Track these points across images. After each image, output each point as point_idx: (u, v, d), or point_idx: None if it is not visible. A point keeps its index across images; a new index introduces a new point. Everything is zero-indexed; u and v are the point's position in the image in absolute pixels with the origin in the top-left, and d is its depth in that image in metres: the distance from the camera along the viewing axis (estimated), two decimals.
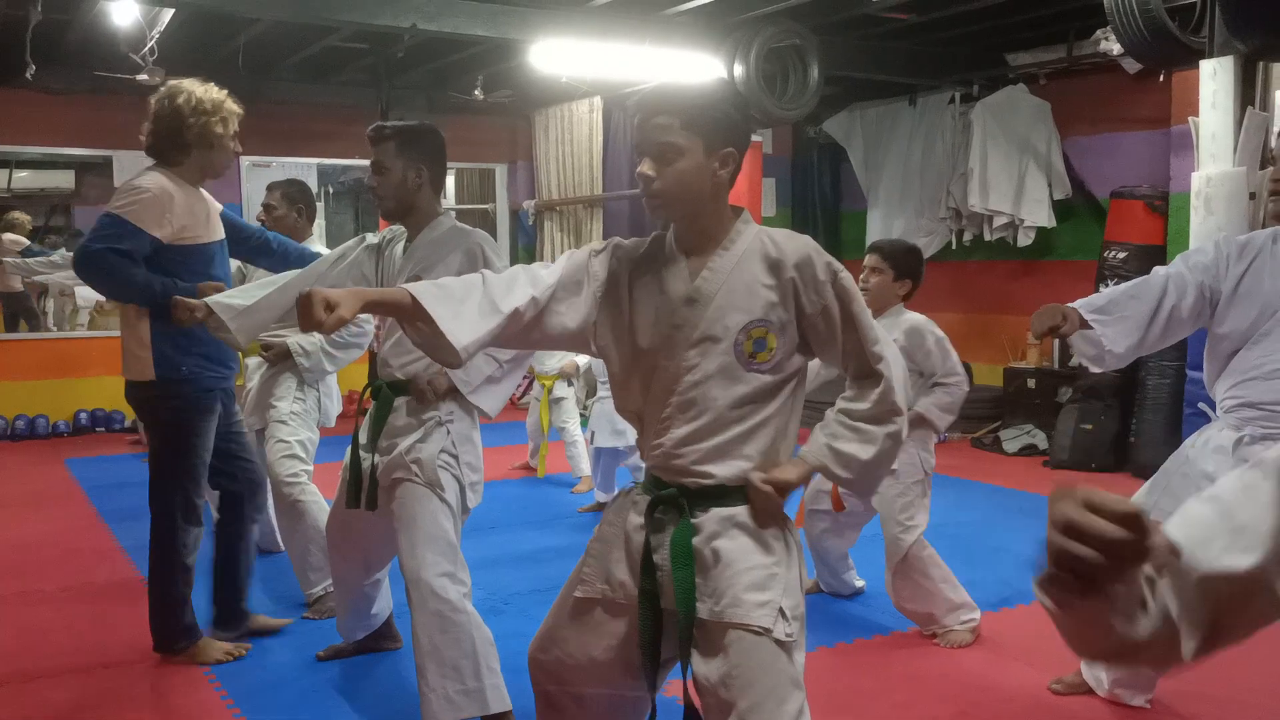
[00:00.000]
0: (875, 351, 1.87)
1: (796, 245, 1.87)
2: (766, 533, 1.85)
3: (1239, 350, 2.53)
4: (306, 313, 1.75)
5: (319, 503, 3.82)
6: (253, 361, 4.19)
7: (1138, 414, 6.35)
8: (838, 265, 1.87)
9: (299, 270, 3.10)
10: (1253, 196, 4.63)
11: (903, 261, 3.53)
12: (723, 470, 1.86)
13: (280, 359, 4.01)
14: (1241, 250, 2.57)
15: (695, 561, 1.83)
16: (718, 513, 1.86)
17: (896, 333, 3.48)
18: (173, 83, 3.35)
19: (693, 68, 6.44)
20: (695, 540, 1.85)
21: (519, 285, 1.88)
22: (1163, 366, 6.12)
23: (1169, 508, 2.56)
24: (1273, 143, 2.47)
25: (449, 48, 7.35)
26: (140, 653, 3.47)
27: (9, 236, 9.10)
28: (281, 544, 4.09)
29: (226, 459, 3.40)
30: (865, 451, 1.88)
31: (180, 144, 3.26)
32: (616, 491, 5.58)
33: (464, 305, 1.82)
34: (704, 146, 1.83)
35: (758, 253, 1.87)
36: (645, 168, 1.85)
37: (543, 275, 1.91)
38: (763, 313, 1.84)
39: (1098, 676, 3.01)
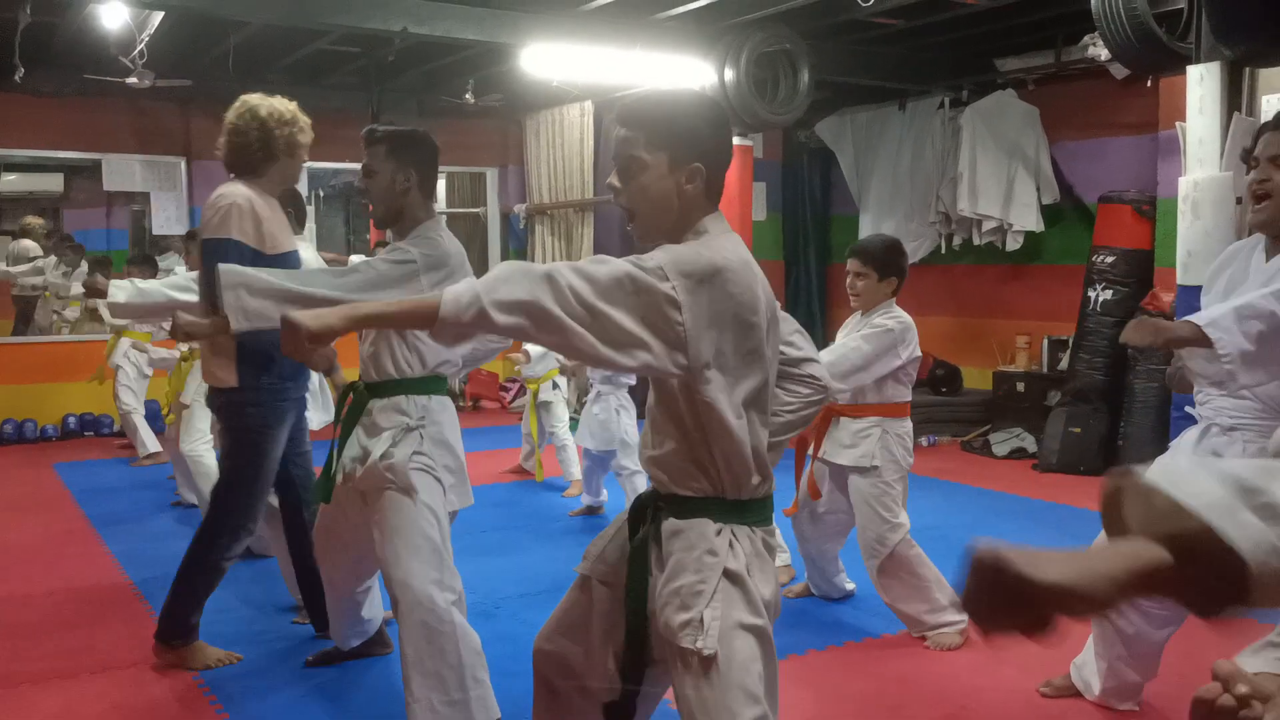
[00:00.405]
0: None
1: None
2: (704, 546, 1.81)
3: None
4: (288, 341, 1.73)
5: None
6: None
7: (1125, 417, 6.38)
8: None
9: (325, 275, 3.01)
10: (1239, 201, 4.66)
11: (885, 260, 3.54)
12: (680, 487, 1.86)
13: None
14: (1225, 257, 2.62)
15: (652, 569, 1.87)
16: (672, 522, 1.86)
17: (890, 322, 3.48)
18: (245, 97, 3.50)
19: (683, 72, 6.46)
20: (659, 545, 1.88)
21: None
22: (1150, 370, 6.15)
23: None
24: (1258, 147, 2.46)
25: (440, 51, 7.34)
26: (128, 658, 3.46)
27: (23, 243, 9.08)
28: (271, 549, 4.07)
29: (291, 463, 3.42)
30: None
31: (269, 154, 3.33)
32: (604, 495, 5.59)
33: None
34: (669, 161, 1.81)
35: None
36: (613, 179, 1.87)
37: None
38: None
39: (1086, 680, 3.03)
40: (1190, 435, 2.66)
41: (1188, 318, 2.36)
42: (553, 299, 1.65)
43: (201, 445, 4.86)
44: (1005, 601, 0.83)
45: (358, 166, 2.93)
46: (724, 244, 1.80)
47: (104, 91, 7.36)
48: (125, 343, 6.47)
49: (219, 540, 3.30)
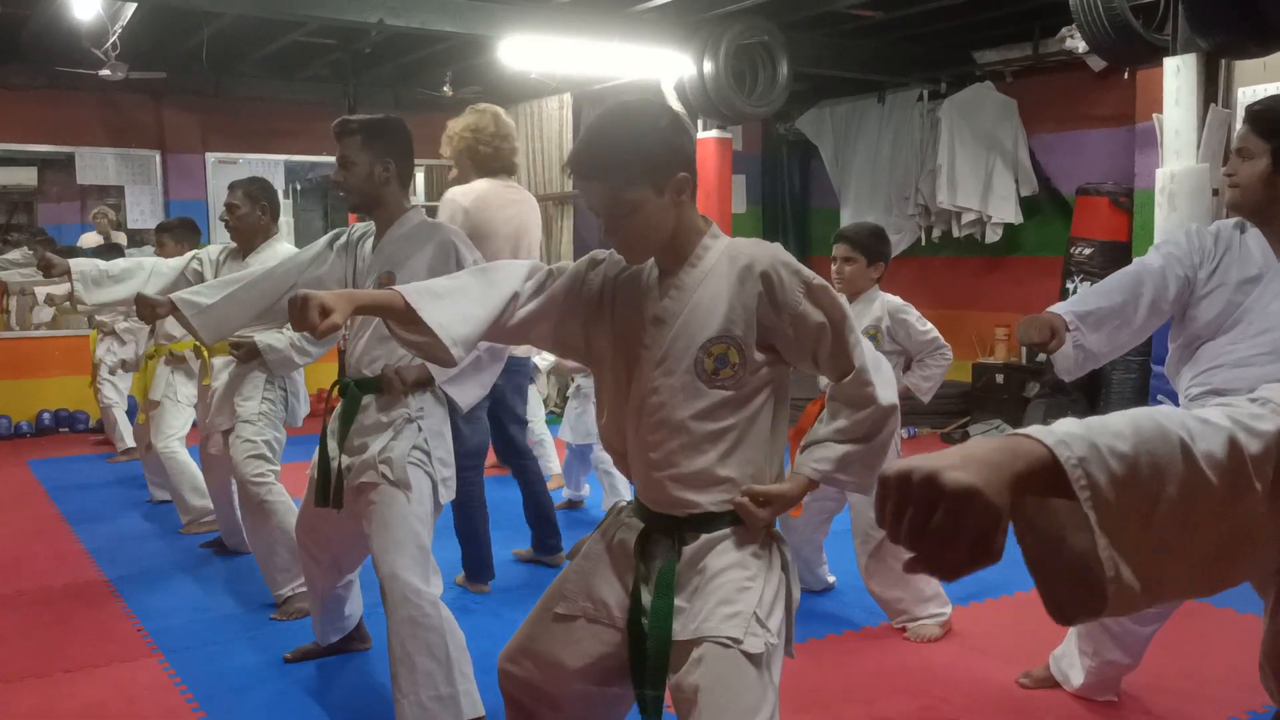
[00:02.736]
0: (853, 358, 1.83)
1: (763, 253, 1.83)
2: (747, 550, 1.82)
3: (1206, 339, 2.56)
4: (300, 317, 1.78)
5: (286, 503, 3.78)
6: (219, 361, 4.14)
7: (1103, 408, 6.39)
8: (808, 274, 1.81)
9: (265, 267, 3.10)
10: (1216, 192, 4.69)
11: (872, 246, 3.57)
12: (704, 498, 1.83)
13: (249, 357, 3.96)
14: (1216, 239, 2.60)
15: (677, 587, 1.82)
16: (705, 538, 1.83)
17: (879, 313, 3.51)
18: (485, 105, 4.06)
19: (661, 64, 6.44)
20: (680, 564, 1.83)
21: (508, 283, 1.90)
22: (1127, 361, 6.19)
23: None
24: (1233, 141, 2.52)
25: (416, 43, 7.30)
26: (103, 657, 3.42)
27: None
28: (248, 545, 4.04)
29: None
30: (852, 448, 1.84)
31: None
32: (586, 489, 5.57)
33: (455, 303, 1.83)
34: (654, 190, 1.77)
35: (724, 266, 1.83)
36: (605, 229, 1.82)
37: (538, 279, 1.92)
38: (723, 328, 1.79)
39: (1065, 672, 3.04)
40: None
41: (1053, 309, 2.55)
42: None
43: (175, 442, 4.81)
44: (921, 513, 0.80)
45: (333, 159, 2.89)
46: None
47: (76, 84, 7.28)
48: (106, 342, 6.42)
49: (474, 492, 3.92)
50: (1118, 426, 0.85)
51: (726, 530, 1.83)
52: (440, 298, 1.84)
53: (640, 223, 1.78)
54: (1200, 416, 0.88)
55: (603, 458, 4.99)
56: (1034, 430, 0.84)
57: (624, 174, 1.76)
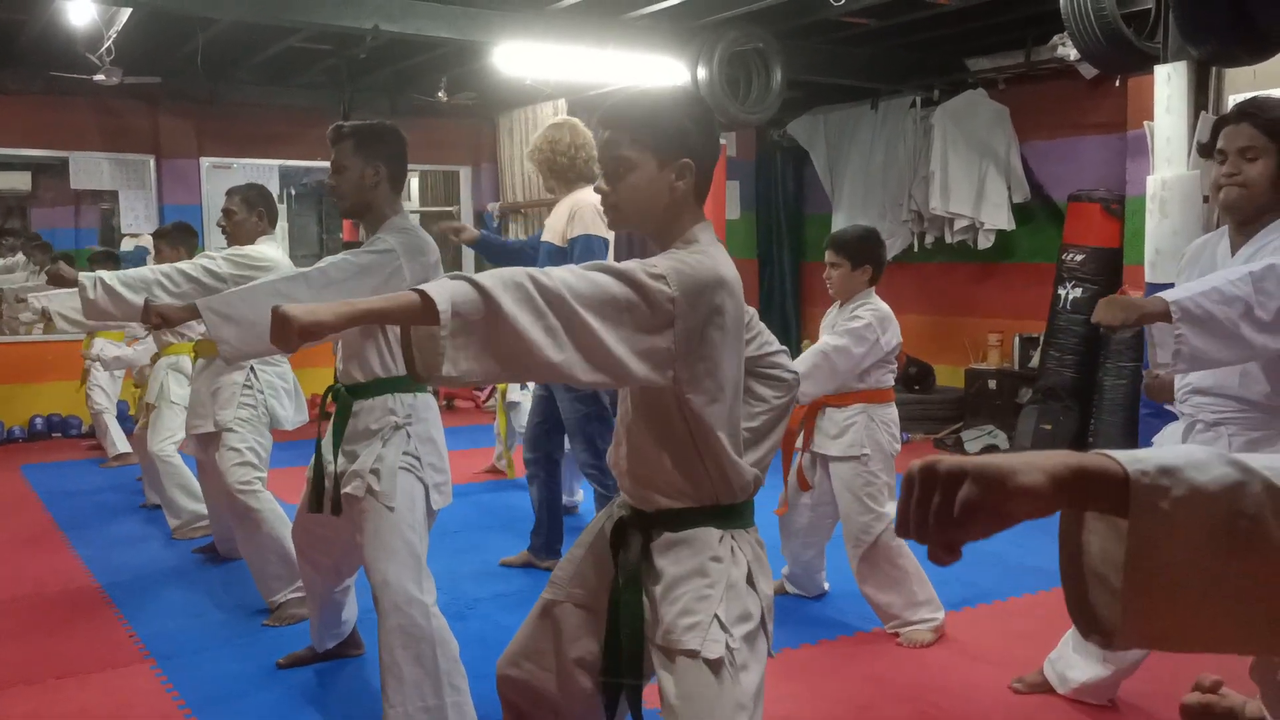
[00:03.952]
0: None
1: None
2: (707, 553, 1.82)
3: None
4: (279, 333, 1.66)
5: (274, 509, 3.77)
6: (201, 362, 4.12)
7: (1096, 414, 6.43)
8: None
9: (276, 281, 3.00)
10: (1206, 200, 4.71)
11: (857, 249, 3.56)
12: (671, 500, 1.84)
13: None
14: (1192, 251, 2.66)
15: (646, 586, 1.84)
16: (667, 536, 1.85)
17: (866, 319, 3.48)
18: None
19: (656, 71, 6.45)
20: (650, 562, 1.85)
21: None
22: (1120, 368, 6.21)
23: None
24: (1220, 141, 2.49)
25: (412, 49, 7.30)
26: (96, 663, 3.42)
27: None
28: (240, 551, 4.04)
29: None
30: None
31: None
32: (579, 493, 5.58)
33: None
34: (656, 159, 1.80)
35: None
36: (601, 182, 1.85)
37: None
38: None
39: (1061, 674, 3.05)
40: (1172, 431, 2.66)
41: (1158, 294, 2.38)
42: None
43: (169, 445, 4.80)
44: (944, 498, 0.79)
45: (327, 164, 2.90)
46: (720, 256, 1.82)
47: (71, 89, 7.28)
48: (99, 342, 6.41)
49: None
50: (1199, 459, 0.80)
51: (687, 534, 1.83)
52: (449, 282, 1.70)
53: (632, 185, 1.81)
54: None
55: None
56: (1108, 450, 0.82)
57: (635, 130, 1.80)
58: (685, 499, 1.84)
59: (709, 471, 1.82)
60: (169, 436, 4.78)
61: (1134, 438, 5.75)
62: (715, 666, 1.75)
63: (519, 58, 6.35)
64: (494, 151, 9.33)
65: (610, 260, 3.91)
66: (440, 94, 7.98)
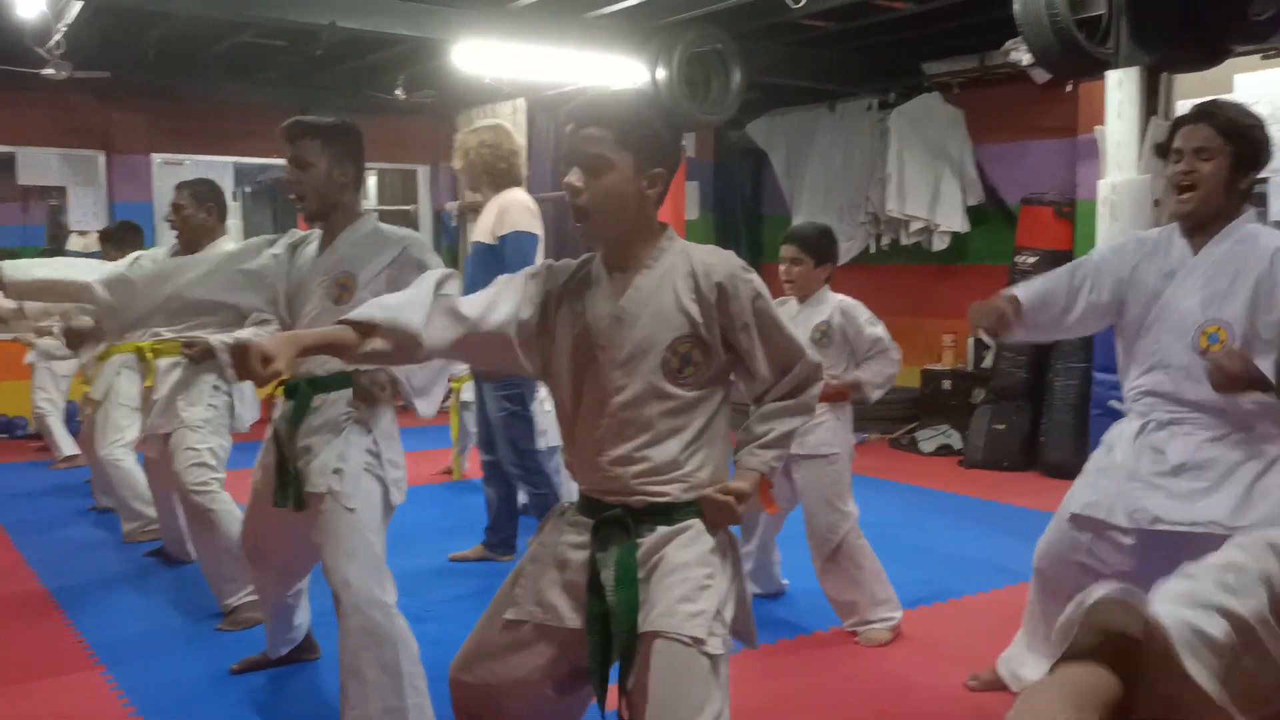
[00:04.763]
0: (799, 347, 1.94)
1: (720, 263, 1.88)
2: (706, 545, 1.85)
3: (1135, 341, 2.63)
4: (242, 366, 1.74)
5: (231, 511, 3.71)
6: (165, 362, 4.05)
7: (1047, 414, 6.53)
8: (759, 285, 1.90)
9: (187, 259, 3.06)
10: (1157, 203, 4.80)
11: (820, 247, 3.60)
12: (669, 488, 1.86)
13: (202, 359, 3.88)
14: (1139, 245, 2.68)
15: (639, 577, 1.83)
16: (663, 531, 1.85)
17: (829, 312, 3.54)
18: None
19: (616, 71, 6.45)
20: (638, 556, 1.84)
21: (465, 298, 1.90)
22: (1070, 368, 6.31)
23: (1096, 500, 2.65)
24: (1176, 141, 2.53)
25: (370, 46, 7.23)
26: (42, 670, 3.34)
27: None
28: (192, 554, 3.97)
29: None
30: (793, 422, 1.95)
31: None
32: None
33: (412, 304, 1.83)
34: (634, 163, 1.82)
35: (682, 269, 1.88)
36: (573, 178, 1.84)
37: (482, 294, 1.92)
38: (687, 328, 1.85)
39: (1014, 672, 3.09)
40: (1124, 429, 2.69)
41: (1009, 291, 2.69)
42: None
43: (119, 449, 4.70)
44: None
45: (285, 161, 2.84)
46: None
47: (19, 83, 7.10)
48: (42, 343, 6.28)
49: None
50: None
51: (685, 524, 1.85)
52: (390, 303, 1.84)
53: (608, 186, 1.82)
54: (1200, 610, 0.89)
55: (562, 460, 4.99)
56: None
57: (619, 131, 1.81)
58: (685, 490, 1.86)
59: (708, 462, 1.88)
60: (118, 439, 4.68)
61: (1084, 437, 5.85)
62: (714, 661, 1.77)
63: (478, 56, 6.32)
64: (452, 150, 9.26)
65: (539, 257, 3.96)
66: (398, 92, 7.91)
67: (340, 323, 1.83)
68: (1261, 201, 5.24)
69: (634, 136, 1.81)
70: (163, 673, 3.33)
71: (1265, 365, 2.35)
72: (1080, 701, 0.81)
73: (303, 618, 3.29)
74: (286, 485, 2.73)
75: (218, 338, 3.80)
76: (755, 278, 1.91)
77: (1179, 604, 0.88)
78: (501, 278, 1.97)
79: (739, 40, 6.61)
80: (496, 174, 4.27)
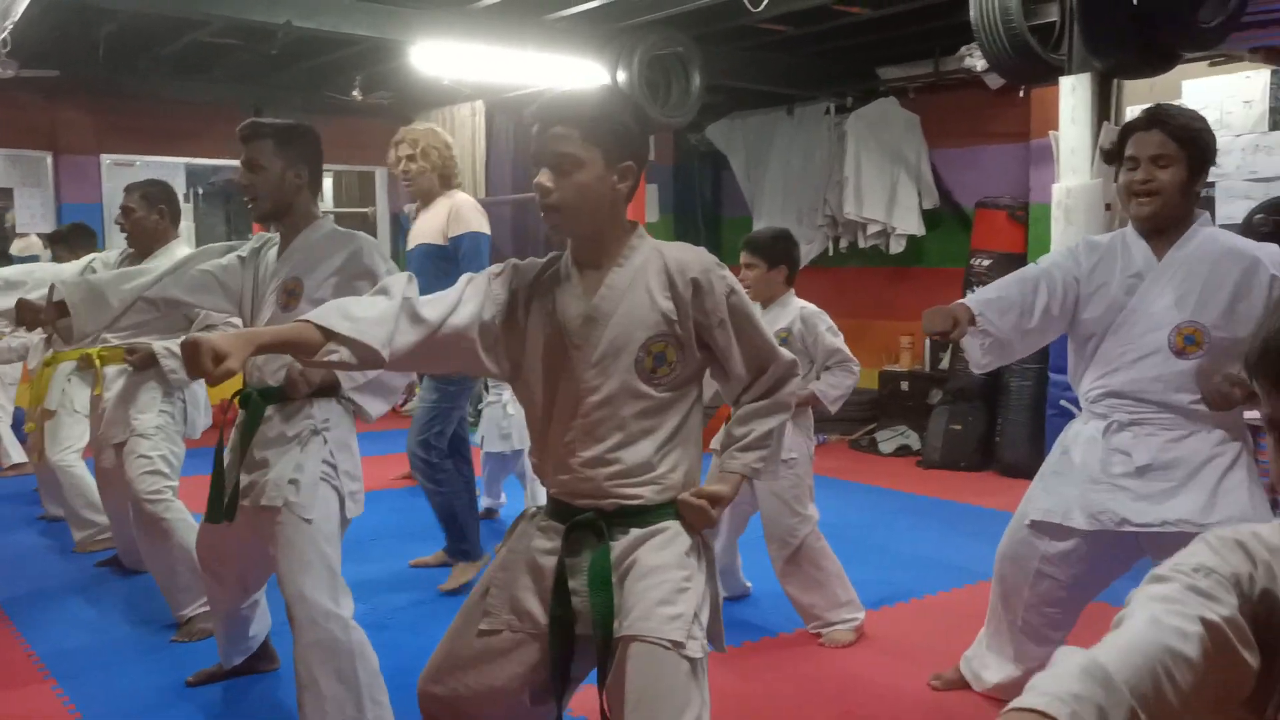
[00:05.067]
0: (774, 346, 1.94)
1: (694, 259, 1.87)
2: (682, 547, 1.84)
3: (1099, 344, 2.65)
4: (192, 363, 1.68)
5: (185, 520, 3.64)
6: (113, 370, 3.97)
7: (1003, 415, 6.62)
8: (733, 281, 1.90)
9: (145, 265, 3.02)
10: (1109, 207, 4.88)
11: (771, 250, 3.61)
12: (642, 490, 1.84)
13: (145, 365, 3.81)
14: (1091, 248, 2.70)
15: (613, 581, 1.81)
16: (636, 533, 1.84)
17: (790, 319, 3.55)
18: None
19: (576, 73, 6.43)
20: (611, 559, 1.83)
21: (427, 300, 1.86)
22: (1025, 368, 6.39)
23: (1053, 506, 2.68)
24: (1129, 148, 2.56)
25: (326, 46, 7.14)
26: None
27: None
28: (146, 564, 3.89)
29: None
30: (772, 422, 1.95)
31: None
32: (503, 498, 5.54)
33: (373, 311, 1.80)
34: (604, 159, 1.81)
35: (655, 266, 1.86)
36: (543, 178, 1.82)
37: (445, 296, 1.89)
38: (662, 327, 1.84)
39: (976, 672, 3.12)
40: (1080, 430, 2.71)
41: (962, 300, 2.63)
42: None
43: (70, 455, 4.61)
44: None
45: (239, 163, 2.80)
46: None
47: None
48: None
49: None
50: (1119, 668, 0.85)
51: (659, 526, 1.84)
52: (352, 312, 1.80)
53: (579, 183, 1.80)
54: (1175, 621, 0.89)
55: (525, 468, 4.96)
56: (1044, 703, 0.83)
57: (586, 128, 1.80)
58: (658, 493, 1.84)
59: (682, 462, 1.87)
60: (70, 446, 4.58)
61: (1039, 437, 5.93)
62: (694, 665, 1.76)
63: (436, 57, 6.27)
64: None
65: (487, 258, 3.95)
66: (355, 93, 7.83)
67: (302, 321, 1.78)
68: (1209, 205, 5.34)
69: (601, 132, 1.80)
70: (116, 685, 3.26)
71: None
72: None
73: (258, 628, 3.23)
74: (221, 499, 2.68)
75: (161, 343, 3.72)
76: (729, 274, 1.90)
77: (1160, 610, 0.89)
78: (464, 278, 1.94)
79: (699, 43, 6.63)
80: (448, 175, 4.24)
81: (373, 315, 1.78)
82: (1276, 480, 0.91)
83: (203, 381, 3.98)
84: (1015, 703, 0.84)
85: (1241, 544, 0.95)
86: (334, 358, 1.77)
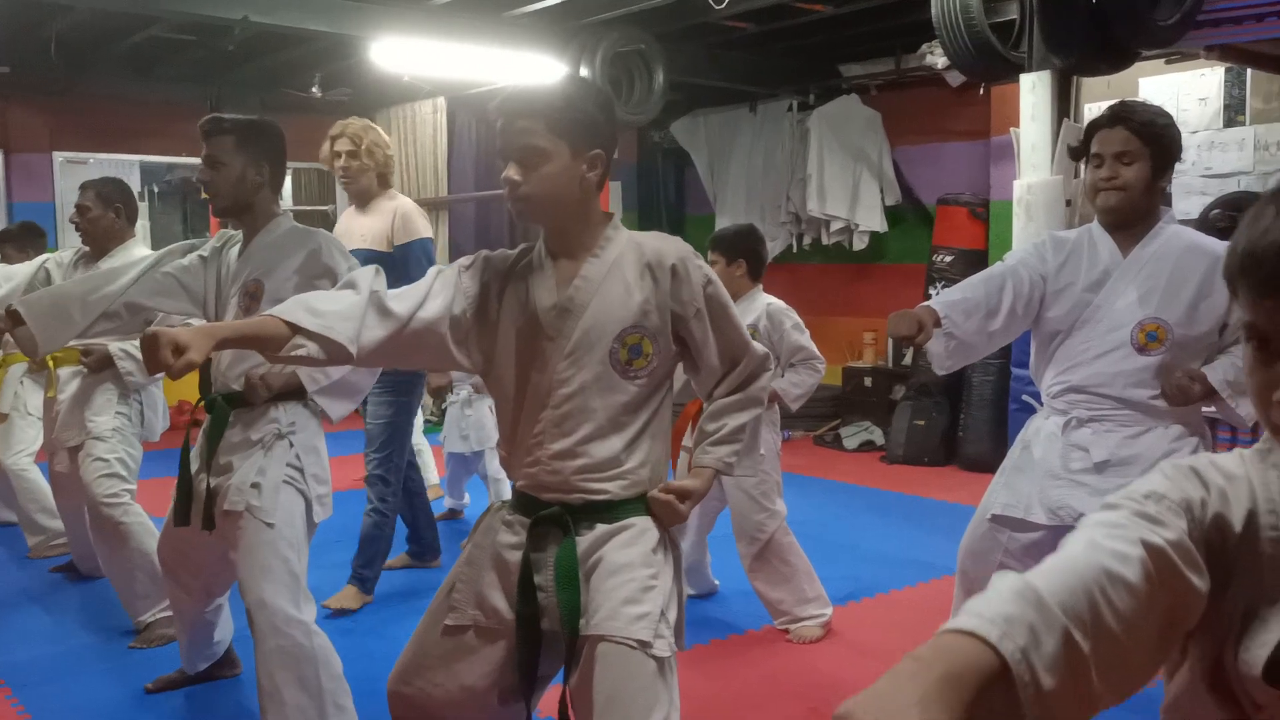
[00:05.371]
0: (746, 339, 1.94)
1: (672, 248, 1.86)
2: (649, 544, 1.82)
3: (1062, 339, 2.67)
4: (151, 356, 1.64)
5: (144, 523, 3.58)
6: (66, 371, 3.89)
7: (965, 410, 6.68)
8: (710, 271, 1.89)
9: (108, 269, 2.95)
10: (1069, 203, 4.93)
11: (731, 244, 3.62)
12: (612, 485, 1.82)
13: (100, 367, 3.73)
14: (1058, 245, 2.71)
15: (580, 579, 1.80)
16: (603, 529, 1.82)
17: (756, 315, 3.55)
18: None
19: (537, 70, 6.40)
20: (577, 555, 1.81)
21: (395, 294, 1.83)
22: (987, 364, 6.45)
23: (1014, 501, 2.70)
24: (1094, 145, 2.57)
25: (285, 43, 7.05)
26: None
27: None
28: (103, 569, 3.82)
29: None
30: (745, 416, 1.93)
31: None
32: (467, 498, 5.50)
33: (340, 306, 1.76)
34: (570, 149, 1.79)
35: (630, 258, 1.84)
36: (511, 172, 1.80)
37: (414, 289, 1.85)
38: (637, 319, 1.82)
39: None
40: (1041, 426, 2.73)
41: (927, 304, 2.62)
42: None
43: (25, 458, 4.51)
44: None
45: (196, 161, 2.75)
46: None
47: None
48: None
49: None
50: (1053, 589, 0.84)
51: (625, 522, 1.83)
52: (319, 307, 1.76)
53: (547, 175, 1.79)
54: (1114, 545, 0.88)
55: (492, 466, 4.93)
56: (975, 624, 0.81)
57: (550, 119, 1.77)
58: (625, 488, 1.83)
59: (650, 457, 1.86)
60: (24, 449, 4.48)
61: (1001, 431, 5.99)
62: (661, 664, 1.74)
63: (397, 54, 6.21)
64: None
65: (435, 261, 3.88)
66: (314, 90, 7.74)
67: (268, 316, 1.75)
68: (1168, 200, 5.42)
69: (566, 123, 1.78)
70: (73, 694, 3.19)
71: (1212, 373, 2.45)
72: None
73: (223, 633, 3.18)
74: (189, 505, 2.64)
75: (117, 345, 3.65)
76: (705, 264, 1.89)
77: (1100, 534, 0.89)
78: (432, 270, 1.91)
79: (661, 41, 6.62)
80: (387, 175, 4.08)
81: (339, 310, 1.75)
82: (1252, 393, 0.90)
83: (160, 384, 3.93)
84: (946, 626, 0.83)
85: (1196, 470, 0.95)
86: (300, 353, 1.73)
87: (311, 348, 1.72)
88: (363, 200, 4.07)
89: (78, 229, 3.87)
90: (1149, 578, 0.85)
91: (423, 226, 4.02)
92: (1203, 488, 0.94)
